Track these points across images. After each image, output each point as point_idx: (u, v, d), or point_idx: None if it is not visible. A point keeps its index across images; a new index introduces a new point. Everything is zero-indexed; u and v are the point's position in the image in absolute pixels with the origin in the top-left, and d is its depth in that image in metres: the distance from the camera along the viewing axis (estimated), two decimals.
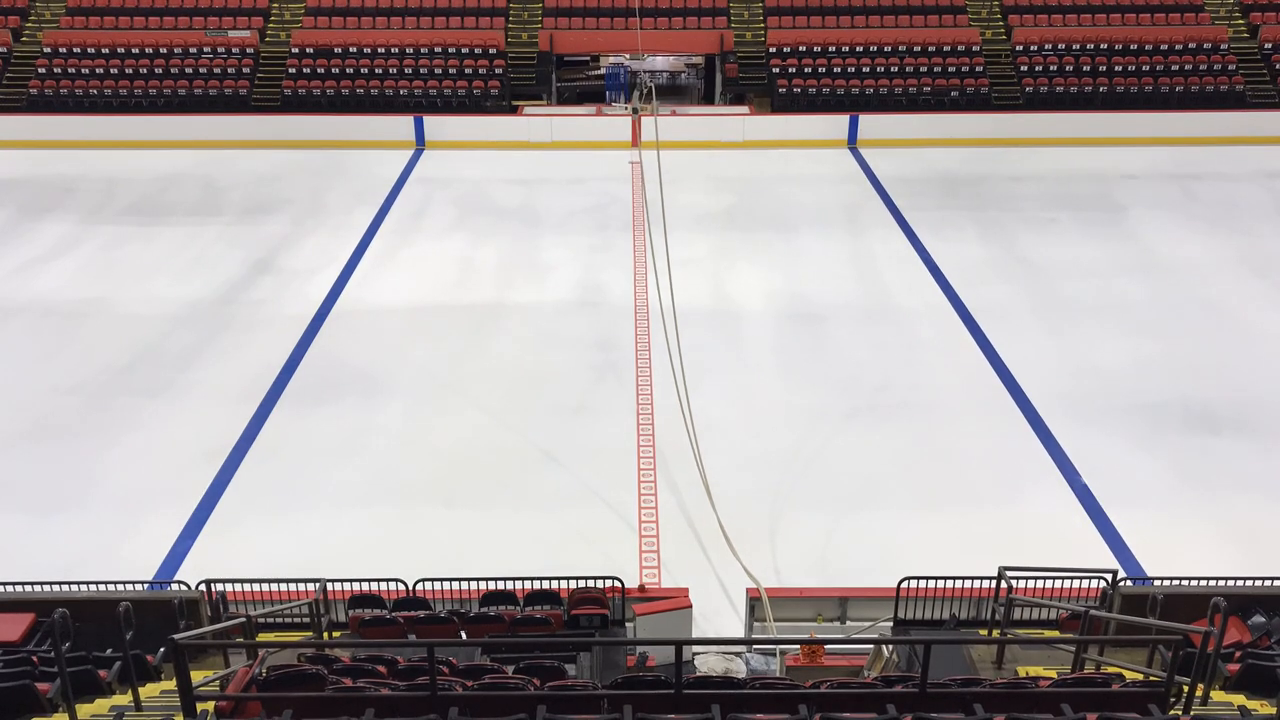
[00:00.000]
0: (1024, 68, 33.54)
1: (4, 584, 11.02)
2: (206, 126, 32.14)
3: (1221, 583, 11.00)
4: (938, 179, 28.90)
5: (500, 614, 10.93)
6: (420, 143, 32.20)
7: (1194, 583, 11.14)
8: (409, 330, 20.15)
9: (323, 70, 33.24)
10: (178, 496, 14.96)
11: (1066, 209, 26.45)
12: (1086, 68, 33.35)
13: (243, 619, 10.29)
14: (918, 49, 33.83)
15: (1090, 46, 33.85)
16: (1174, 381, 17.97)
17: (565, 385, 18.06)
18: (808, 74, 33.45)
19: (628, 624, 11.74)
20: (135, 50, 33.68)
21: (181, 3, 34.97)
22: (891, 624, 11.71)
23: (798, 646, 11.64)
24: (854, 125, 32.22)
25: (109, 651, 9.78)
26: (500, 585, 11.62)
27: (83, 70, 33.18)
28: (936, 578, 11.37)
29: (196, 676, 7.52)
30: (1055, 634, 11.17)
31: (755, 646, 11.98)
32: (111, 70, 33.20)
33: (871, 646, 11.57)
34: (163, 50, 33.68)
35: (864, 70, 33.45)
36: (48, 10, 35.37)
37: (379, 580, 11.63)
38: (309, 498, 15.06)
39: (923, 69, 33.35)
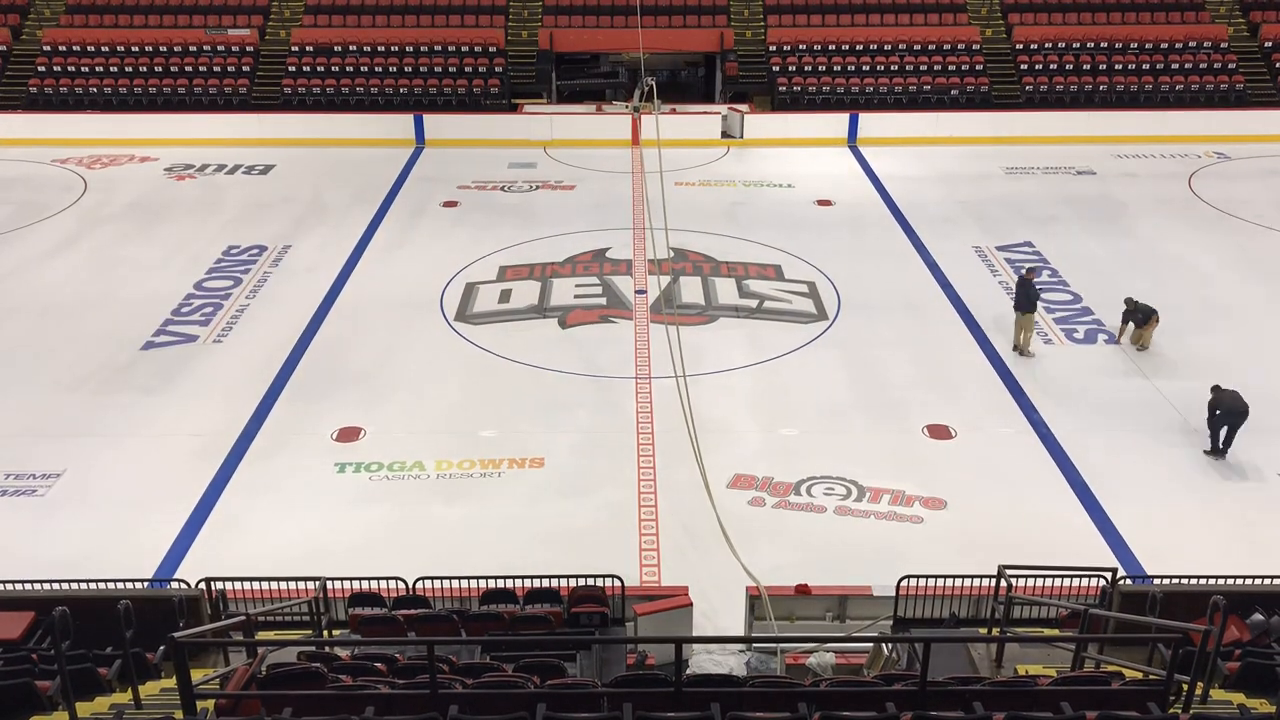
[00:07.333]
0: (1024, 66, 33.55)
1: (4, 582, 11.02)
2: (206, 125, 32.15)
3: (1221, 581, 11.01)
4: (938, 177, 28.90)
5: (500, 612, 10.92)
6: (420, 141, 32.20)
7: (1193, 581, 11.15)
8: (408, 328, 20.14)
9: (322, 69, 33.23)
10: (178, 494, 14.95)
11: (1067, 207, 26.46)
12: (1087, 66, 33.36)
13: (242, 617, 10.28)
14: (918, 47, 33.84)
15: (1090, 45, 33.86)
16: (1174, 379, 17.97)
17: (565, 383, 18.06)
18: (808, 72, 33.46)
19: (628, 623, 11.75)
20: (135, 49, 33.69)
21: (181, 1, 34.96)
22: (891, 623, 11.71)
23: (796, 645, 11.66)
24: (854, 124, 32.23)
25: (109, 650, 9.78)
26: (500, 583, 11.63)
27: (82, 68, 33.17)
28: (936, 576, 11.37)
29: (196, 675, 7.53)
30: (1055, 632, 11.16)
31: (755, 645, 11.98)
32: (111, 69, 33.20)
33: (871, 645, 11.56)
34: (163, 49, 33.68)
35: (864, 69, 33.46)
36: (47, 8, 35.36)
37: (379, 578, 11.63)
38: (309, 496, 15.05)
39: (923, 67, 33.36)
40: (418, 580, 11.75)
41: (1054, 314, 20.46)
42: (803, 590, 12.42)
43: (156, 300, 21.21)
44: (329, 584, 11.63)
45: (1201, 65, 33.38)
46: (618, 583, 11.66)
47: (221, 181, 29.01)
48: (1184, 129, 31.89)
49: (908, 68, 33.39)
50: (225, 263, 23.15)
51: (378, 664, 8.65)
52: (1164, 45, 33.81)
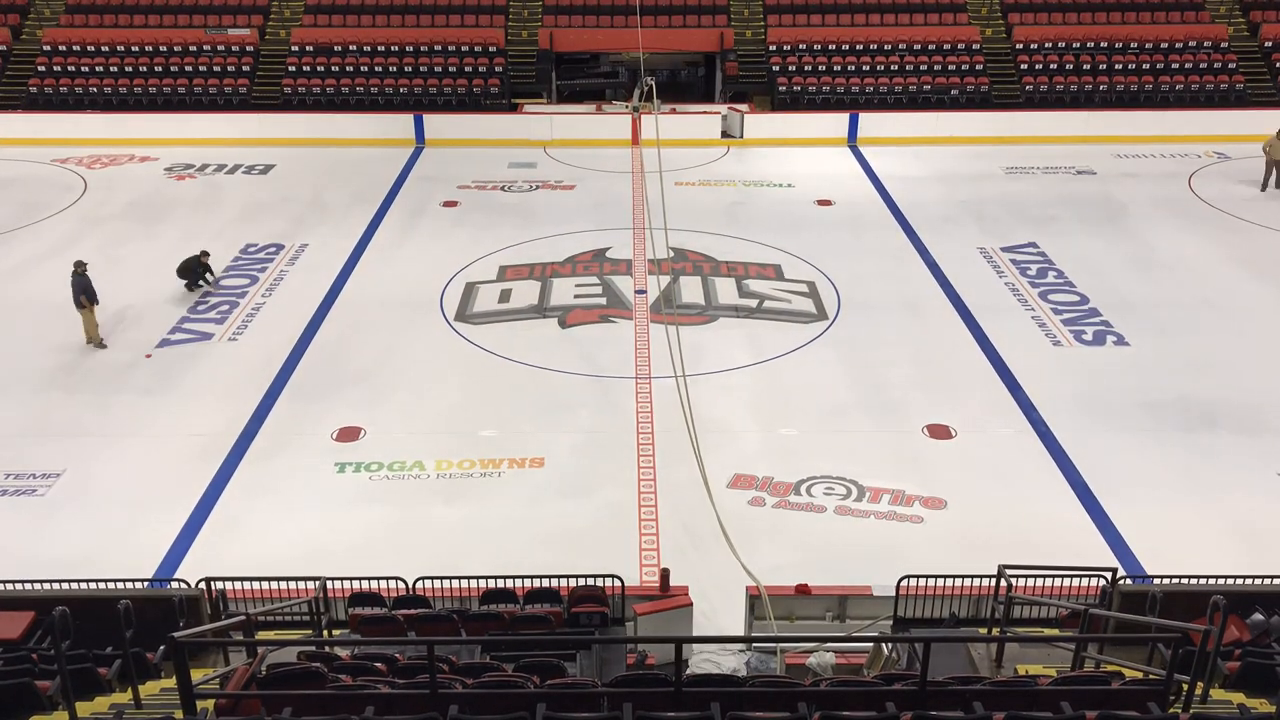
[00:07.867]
0: (1024, 66, 33.54)
1: (4, 582, 11.02)
2: (206, 124, 32.15)
3: (1221, 581, 11.01)
4: (938, 177, 28.90)
5: (500, 612, 10.93)
6: (420, 141, 32.21)
7: (1193, 581, 11.15)
8: (408, 327, 20.14)
9: (322, 69, 33.23)
10: (178, 494, 14.95)
11: (1066, 207, 26.46)
12: (1087, 66, 33.36)
13: (242, 617, 10.30)
14: (918, 47, 33.84)
15: (1090, 45, 33.86)
16: (1174, 379, 17.97)
17: (565, 383, 18.06)
18: (808, 72, 33.45)
19: (627, 622, 11.75)
20: (135, 48, 33.68)
21: (181, 1, 34.96)
22: (891, 623, 11.71)
23: (796, 645, 11.66)
24: (854, 123, 32.23)
25: (109, 649, 9.79)
26: (500, 583, 11.63)
27: (82, 68, 33.17)
28: (936, 576, 11.37)
29: (196, 674, 7.54)
30: (1055, 632, 11.16)
31: (755, 645, 11.99)
32: (111, 68, 33.19)
33: (871, 645, 11.57)
34: (163, 48, 33.67)
35: (864, 68, 33.46)
36: (47, 8, 35.36)
37: (379, 578, 11.63)
38: (309, 495, 15.06)
39: (923, 67, 33.36)
40: (418, 580, 11.75)
41: (1062, 315, 20.43)
42: (803, 590, 12.42)
43: (156, 300, 21.18)
44: (329, 584, 11.63)
45: (1201, 65, 33.37)
46: (618, 583, 11.67)
47: (221, 181, 29.01)
48: (1184, 129, 31.88)
49: (908, 68, 33.38)
50: (224, 262, 23.10)
51: (378, 664, 8.66)
52: (1164, 45, 33.81)
